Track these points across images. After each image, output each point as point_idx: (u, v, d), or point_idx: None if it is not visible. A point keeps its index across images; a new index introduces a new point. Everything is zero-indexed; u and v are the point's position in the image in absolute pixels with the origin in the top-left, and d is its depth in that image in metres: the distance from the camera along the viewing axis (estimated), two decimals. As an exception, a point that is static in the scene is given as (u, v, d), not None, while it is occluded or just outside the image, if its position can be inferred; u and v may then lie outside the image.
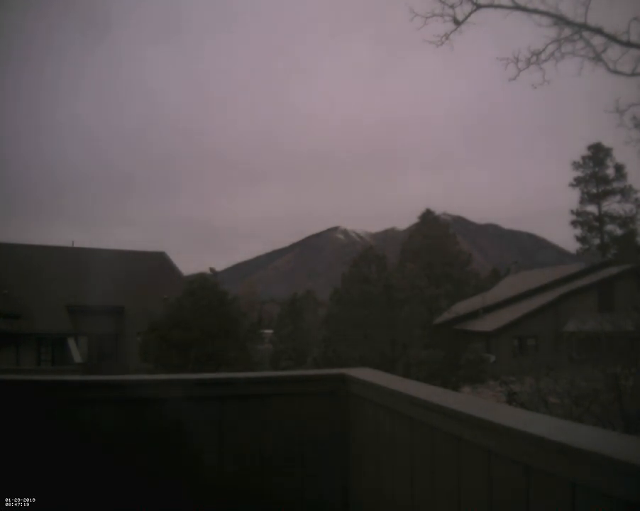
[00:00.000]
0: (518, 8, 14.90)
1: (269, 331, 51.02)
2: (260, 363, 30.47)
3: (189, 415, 2.97)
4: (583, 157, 54.66)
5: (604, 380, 9.55)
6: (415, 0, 15.40)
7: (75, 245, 40.95)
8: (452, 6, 14.76)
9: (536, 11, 14.70)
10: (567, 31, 14.52)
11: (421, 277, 40.69)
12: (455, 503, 2.08)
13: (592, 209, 54.95)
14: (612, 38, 14.34)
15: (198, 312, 24.37)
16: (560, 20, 14.56)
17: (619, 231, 53.96)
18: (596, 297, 34.61)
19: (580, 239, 55.30)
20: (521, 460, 1.72)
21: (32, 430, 2.80)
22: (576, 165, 54.90)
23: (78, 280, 32.85)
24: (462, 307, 39.88)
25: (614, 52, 14.35)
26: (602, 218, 54.28)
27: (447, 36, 15.04)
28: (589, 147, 54.41)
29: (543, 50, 14.55)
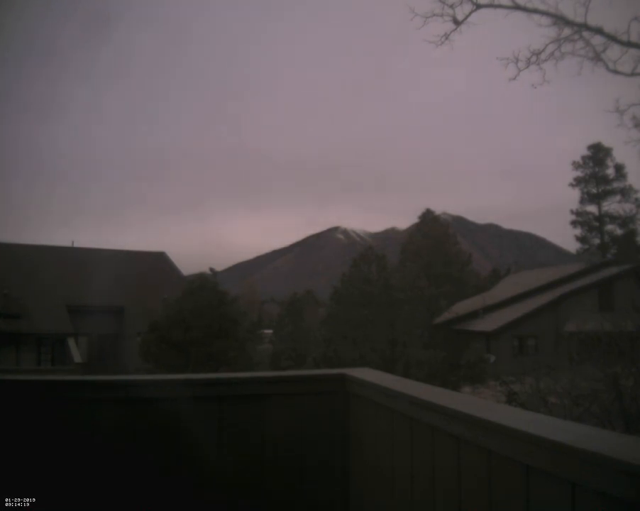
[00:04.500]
0: (518, 8, 14.92)
1: (269, 331, 51.03)
2: (260, 363, 30.45)
3: (189, 415, 2.97)
4: (583, 157, 54.69)
5: (604, 380, 9.54)
6: (415, 0, 15.40)
7: (75, 245, 41.00)
8: (452, 6, 14.78)
9: (536, 11, 14.71)
10: (567, 31, 14.55)
11: (421, 277, 40.69)
12: (455, 503, 2.08)
13: (592, 209, 54.99)
14: (612, 38, 14.35)
15: (198, 312, 24.35)
16: (560, 20, 14.58)
17: (619, 231, 53.96)
18: (596, 297, 34.57)
19: (580, 239, 55.31)
20: (521, 460, 1.72)
21: (33, 430, 2.80)
22: (576, 165, 54.93)
23: (78, 280, 32.86)
24: (462, 307, 39.86)
25: (614, 52, 14.38)
26: (602, 218, 54.27)
27: (447, 36, 15.06)
28: (589, 147, 54.43)
29: (543, 50, 14.57)
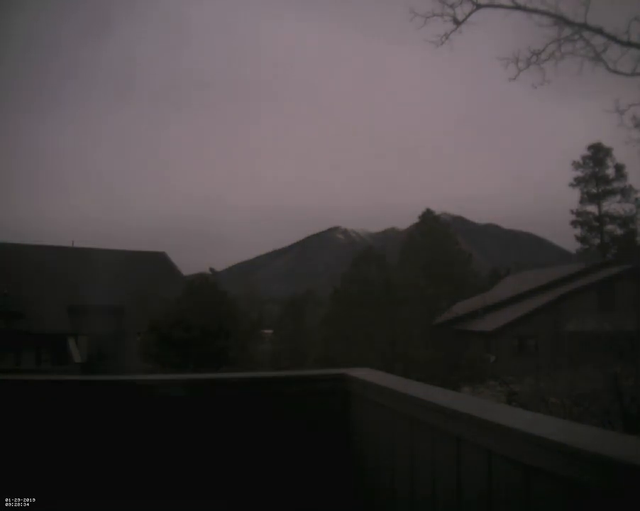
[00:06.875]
0: (518, 8, 14.94)
1: (269, 331, 51.00)
2: (260, 363, 30.47)
3: (190, 415, 2.97)
4: (583, 157, 54.65)
5: (604, 380, 9.55)
6: (415, 0, 15.43)
7: (75, 245, 40.98)
8: (452, 6, 14.81)
9: (536, 11, 14.73)
10: (567, 31, 14.57)
11: (421, 277, 40.74)
12: (456, 503, 2.08)
13: (592, 209, 54.93)
14: (612, 38, 14.37)
15: (198, 312, 24.37)
16: (560, 20, 14.59)
17: (619, 231, 53.95)
18: (596, 297, 34.58)
19: (580, 239, 55.29)
20: (521, 460, 1.72)
21: (33, 430, 2.80)
22: (576, 165, 54.88)
23: (78, 280, 32.84)
24: (462, 307, 39.85)
25: (614, 52, 14.40)
26: (602, 218, 54.26)
27: (447, 36, 15.09)
28: (589, 147, 54.38)
29: (543, 50, 14.59)
